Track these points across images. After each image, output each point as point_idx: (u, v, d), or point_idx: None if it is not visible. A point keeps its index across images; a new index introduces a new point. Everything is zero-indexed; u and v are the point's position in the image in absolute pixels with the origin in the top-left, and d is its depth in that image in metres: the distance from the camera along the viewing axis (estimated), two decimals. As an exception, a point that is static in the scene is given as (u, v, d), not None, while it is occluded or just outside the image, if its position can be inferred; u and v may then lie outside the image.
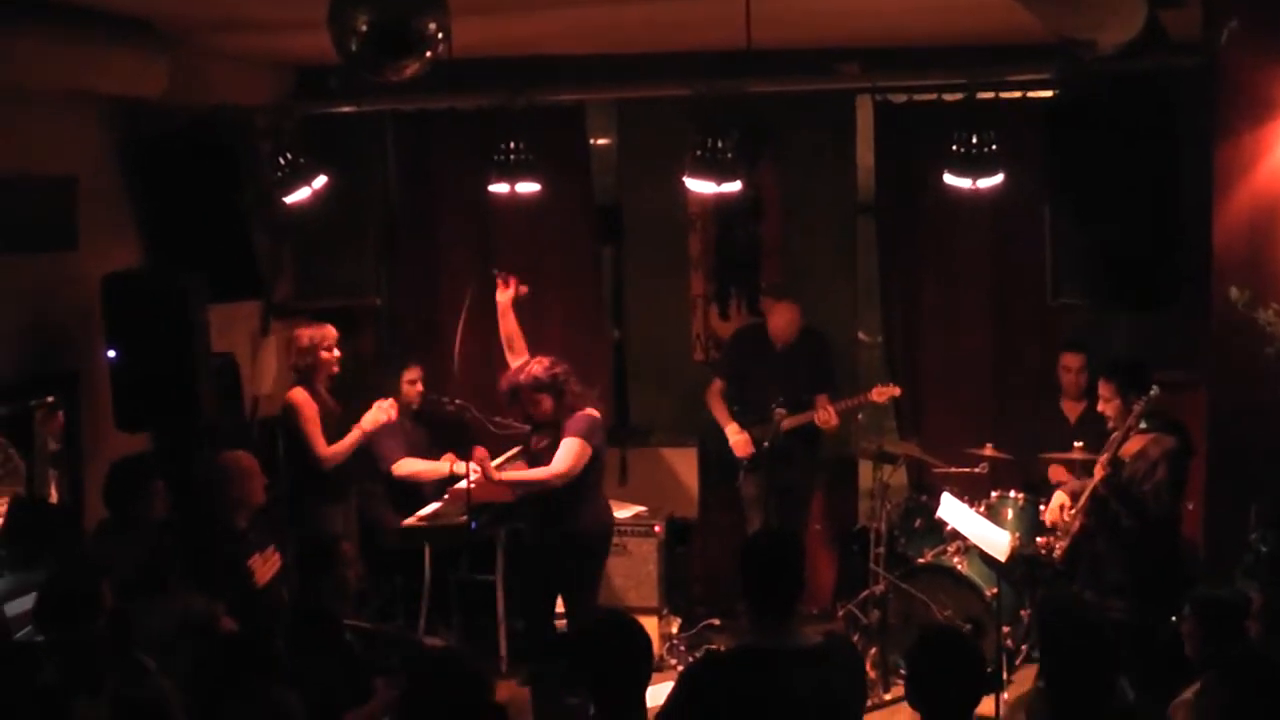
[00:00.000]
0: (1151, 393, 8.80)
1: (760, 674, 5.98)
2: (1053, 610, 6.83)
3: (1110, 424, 9.06)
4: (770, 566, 6.11)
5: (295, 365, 10.23)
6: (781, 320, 11.05)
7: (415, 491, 10.65)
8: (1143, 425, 8.92)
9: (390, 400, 10.22)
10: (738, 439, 10.98)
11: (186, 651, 6.89)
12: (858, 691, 6.48)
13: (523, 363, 9.69)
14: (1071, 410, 10.45)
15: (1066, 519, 9.31)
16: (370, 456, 10.51)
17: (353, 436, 10.04)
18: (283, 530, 9.30)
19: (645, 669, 5.71)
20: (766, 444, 10.52)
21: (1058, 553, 9.36)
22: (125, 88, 8.96)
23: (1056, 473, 10.12)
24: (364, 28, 6.18)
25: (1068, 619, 6.38)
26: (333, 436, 10.03)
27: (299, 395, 10.08)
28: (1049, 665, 6.43)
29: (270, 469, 9.68)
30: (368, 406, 10.39)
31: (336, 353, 10.20)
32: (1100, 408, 9.19)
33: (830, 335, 11.41)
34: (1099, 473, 8.94)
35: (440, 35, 6.34)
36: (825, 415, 10.82)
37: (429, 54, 6.33)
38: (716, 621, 11.10)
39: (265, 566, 8.50)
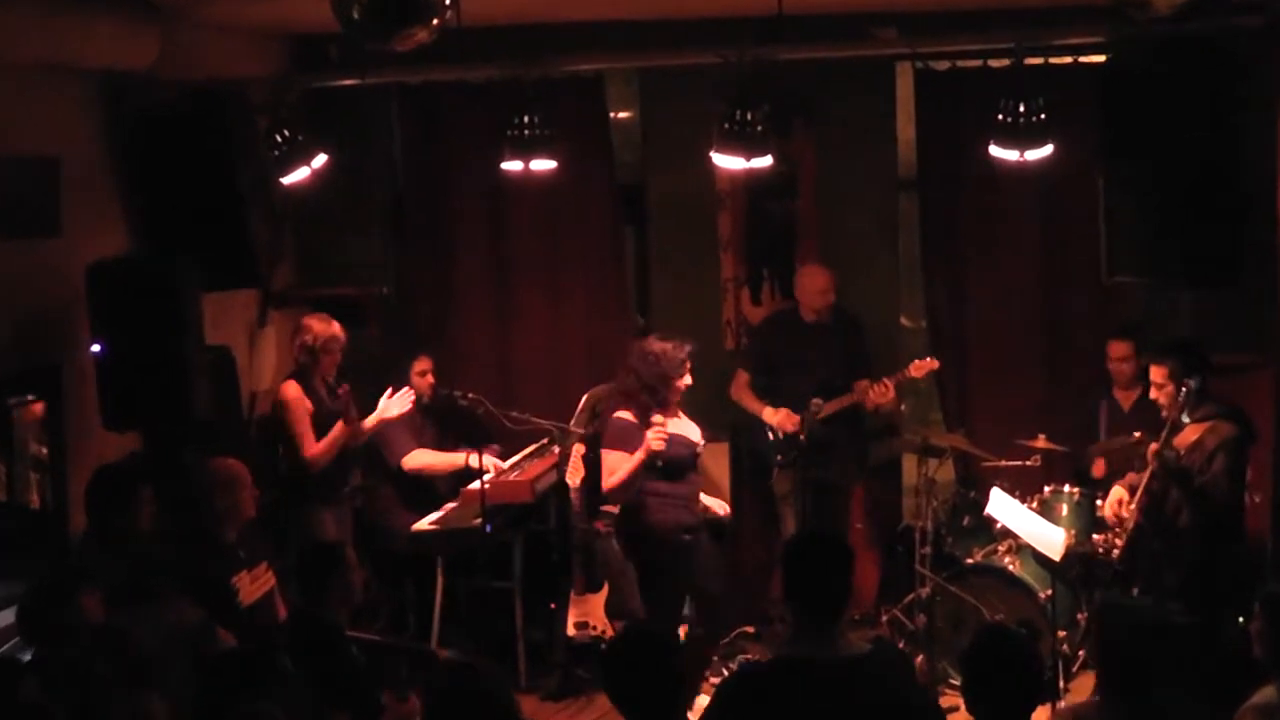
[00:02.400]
0: (1191, 383, 8.77)
1: (806, 686, 5.95)
2: (1111, 614, 6.80)
3: (1164, 412, 9.02)
4: (818, 570, 6.08)
5: (297, 357, 10.25)
6: (812, 283, 11.06)
7: (429, 489, 10.68)
8: (1190, 417, 8.88)
9: (396, 392, 10.34)
10: (778, 416, 10.92)
11: (179, 666, 6.88)
12: (915, 699, 6.43)
13: (635, 360, 9.73)
14: (1125, 398, 10.40)
15: (1125, 514, 9.28)
16: (377, 455, 10.54)
17: (336, 432, 10.03)
18: (280, 539, 9.27)
19: (678, 682, 5.71)
20: (802, 437, 10.50)
21: (1115, 552, 9.33)
22: (112, 60, 8.95)
23: (1099, 468, 10.09)
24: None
25: (1127, 623, 6.36)
26: (328, 431, 10.08)
27: (291, 390, 10.12)
28: (1107, 673, 6.41)
29: (270, 470, 9.69)
30: (373, 400, 10.44)
31: (338, 356, 10.27)
32: (1152, 394, 9.16)
33: (869, 318, 11.43)
34: (1151, 462, 8.91)
35: (448, 1, 6.33)
36: (882, 390, 10.79)
37: (436, 21, 6.33)
38: (751, 629, 11.05)
39: (254, 585, 8.46)
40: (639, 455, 9.53)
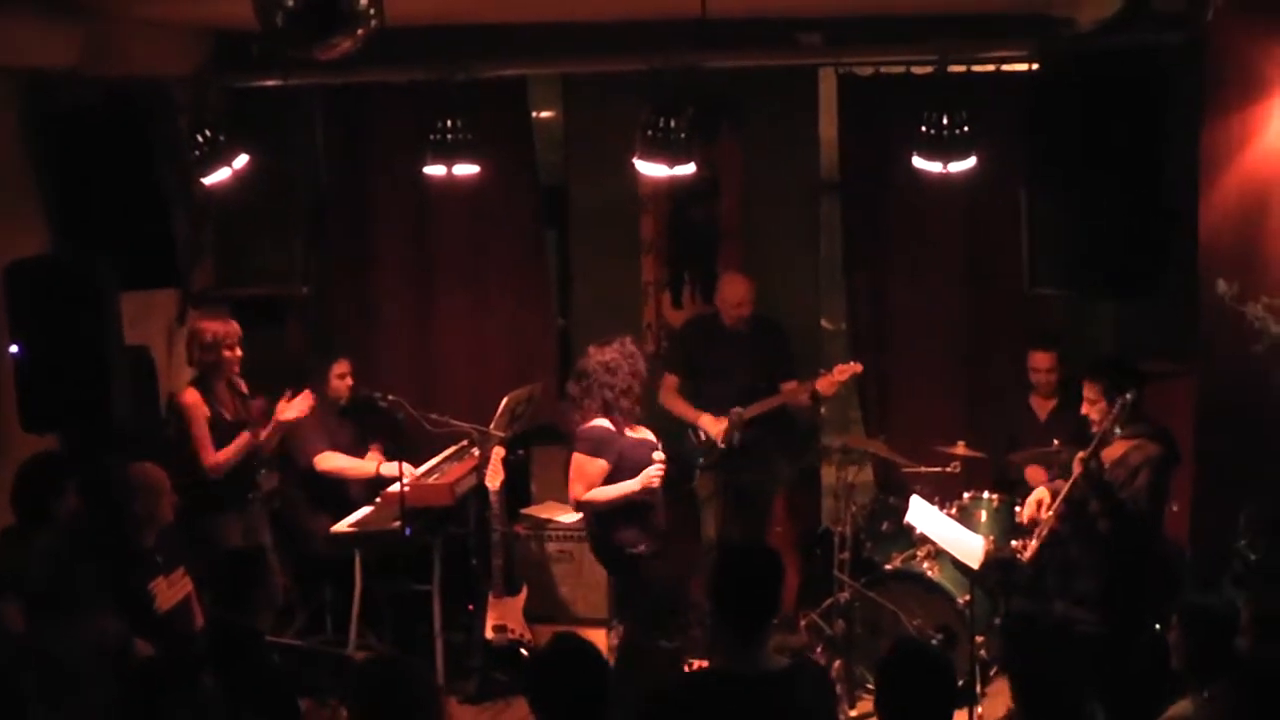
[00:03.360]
0: (1127, 396, 8.85)
1: (728, 700, 5.99)
2: (1020, 626, 6.88)
3: (1094, 427, 9.09)
4: (746, 583, 6.12)
5: (197, 361, 10.14)
6: (732, 294, 11.03)
7: (341, 493, 10.66)
8: (1121, 431, 8.96)
9: (296, 397, 10.19)
10: (717, 426, 10.84)
11: (100, 678, 6.86)
12: (828, 717, 6.51)
13: (600, 376, 9.44)
14: (1041, 407, 10.51)
15: (1044, 517, 9.36)
16: (289, 456, 10.51)
17: (241, 441, 9.95)
18: (188, 545, 9.20)
19: (599, 693, 5.74)
20: (723, 445, 10.56)
21: (1027, 555, 9.40)
22: (32, 59, 8.91)
23: (1035, 474, 10.13)
24: (290, 2, 6.15)
25: (1036, 635, 6.43)
26: (228, 440, 9.99)
27: (191, 397, 9.99)
28: (1018, 685, 6.48)
29: (183, 473, 9.64)
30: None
31: (239, 351, 10.13)
32: (1084, 410, 9.21)
33: (791, 321, 11.46)
34: (1077, 469, 8.98)
35: (372, 11, 6.33)
36: (792, 388, 10.85)
37: (360, 30, 6.32)
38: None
39: (171, 591, 8.45)
40: (633, 486, 9.29)
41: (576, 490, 9.38)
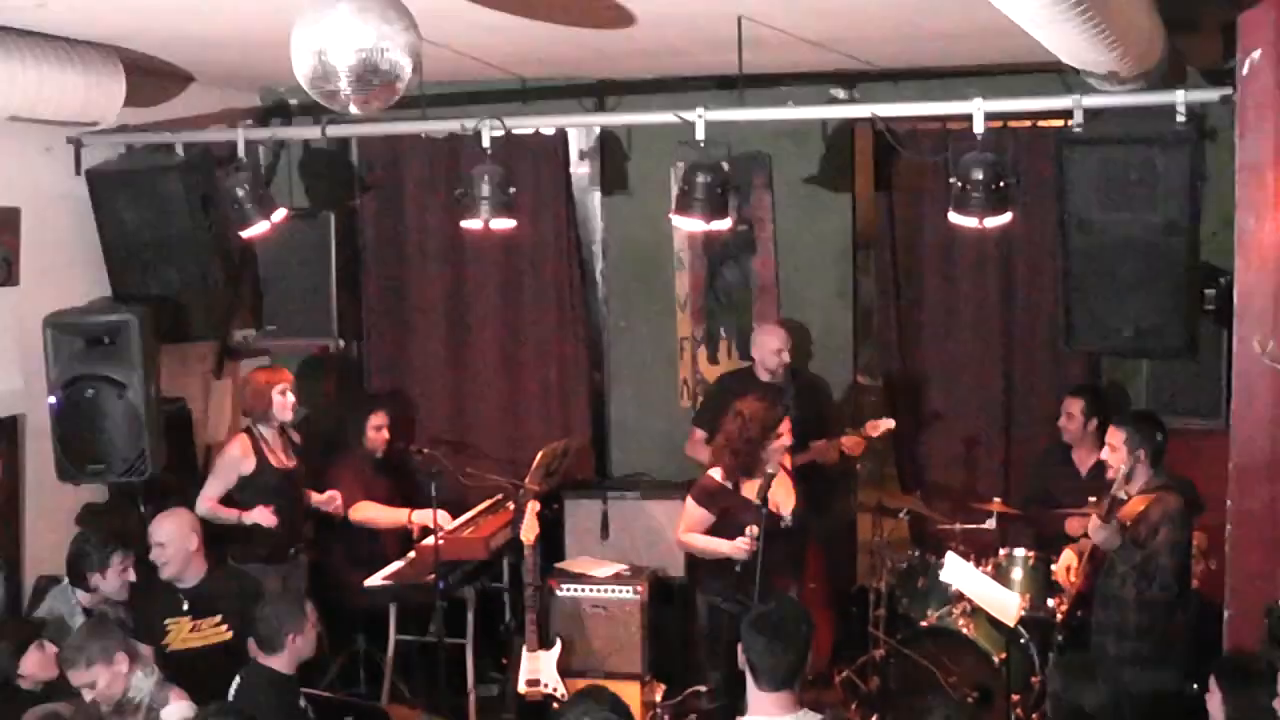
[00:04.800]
0: (1134, 460, 8.81)
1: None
2: (1065, 678, 6.86)
3: (1110, 473, 9.05)
4: (778, 639, 6.16)
5: (247, 410, 10.25)
6: (771, 340, 11.05)
7: (375, 546, 10.70)
8: (1131, 491, 8.92)
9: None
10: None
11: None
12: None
13: (728, 420, 9.64)
14: (1083, 461, 10.48)
15: (1073, 580, 9.35)
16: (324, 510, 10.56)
17: (230, 513, 9.93)
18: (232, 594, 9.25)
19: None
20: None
21: (1060, 618, 9.39)
22: (75, 112, 8.98)
23: (1073, 525, 10.11)
24: (330, 59, 6.22)
25: (1081, 689, 6.42)
26: (278, 489, 10.09)
27: (236, 448, 10.10)
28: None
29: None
30: (332, 453, 10.50)
31: (291, 399, 10.23)
32: (1104, 454, 9.18)
33: (827, 377, 11.53)
34: (1095, 536, 8.93)
35: (411, 67, 6.40)
36: (851, 443, 10.82)
37: (398, 85, 6.38)
38: (704, 688, 11.07)
39: (193, 635, 8.59)
40: (722, 547, 9.42)
41: (679, 529, 9.73)
